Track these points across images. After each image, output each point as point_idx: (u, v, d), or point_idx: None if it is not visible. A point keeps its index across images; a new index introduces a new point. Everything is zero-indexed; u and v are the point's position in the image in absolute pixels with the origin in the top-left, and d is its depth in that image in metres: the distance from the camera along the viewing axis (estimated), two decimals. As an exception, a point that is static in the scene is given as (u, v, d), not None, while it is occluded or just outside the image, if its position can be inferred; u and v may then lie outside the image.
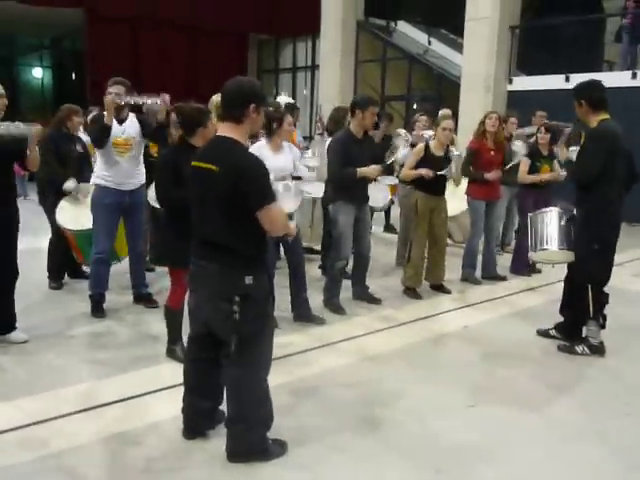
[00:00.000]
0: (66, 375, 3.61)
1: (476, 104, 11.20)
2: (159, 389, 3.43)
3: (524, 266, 6.07)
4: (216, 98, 4.90)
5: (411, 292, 5.38)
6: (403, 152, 5.61)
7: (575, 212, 3.96)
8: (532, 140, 6.11)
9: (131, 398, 3.32)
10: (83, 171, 5.33)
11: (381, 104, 14.10)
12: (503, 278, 5.95)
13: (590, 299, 4.01)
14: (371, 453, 2.87)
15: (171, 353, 3.86)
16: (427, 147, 5.24)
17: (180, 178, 3.51)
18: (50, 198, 5.24)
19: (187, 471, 2.67)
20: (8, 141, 3.74)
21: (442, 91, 13.21)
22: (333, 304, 4.88)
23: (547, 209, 4.08)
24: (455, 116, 9.66)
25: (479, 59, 11.42)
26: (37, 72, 19.06)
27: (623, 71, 10.48)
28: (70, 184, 5.14)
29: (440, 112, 6.92)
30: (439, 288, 5.55)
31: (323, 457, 2.81)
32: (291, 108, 5.52)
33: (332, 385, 3.54)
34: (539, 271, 6.13)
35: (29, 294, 4.82)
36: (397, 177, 6.01)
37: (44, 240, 5.50)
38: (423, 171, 5.08)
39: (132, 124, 4.58)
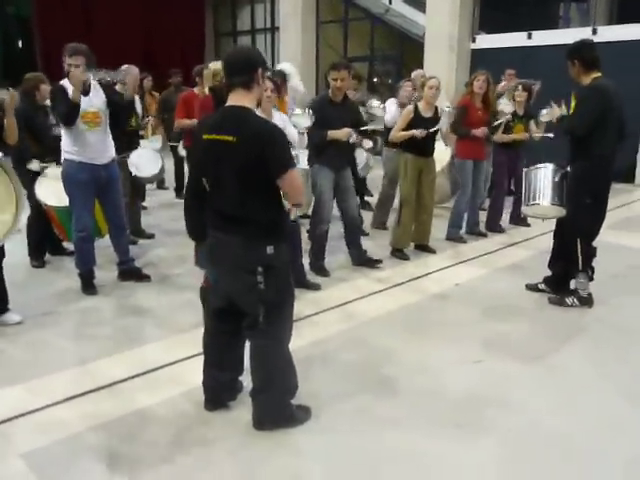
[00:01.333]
0: (69, 354, 3.55)
1: (440, 63, 11.23)
2: (167, 364, 3.41)
3: (497, 223, 6.25)
4: (212, 66, 4.77)
5: (399, 253, 5.45)
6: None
7: (569, 168, 4.05)
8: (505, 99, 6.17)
9: (142, 374, 3.30)
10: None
11: (344, 66, 14.00)
12: (484, 235, 6.09)
13: (580, 252, 4.16)
14: (391, 413, 2.94)
15: None
16: (416, 108, 5.24)
17: None
18: (27, 172, 5.03)
19: (218, 441, 2.68)
20: None
21: (404, 51, 13.18)
22: (317, 267, 4.91)
23: (542, 165, 4.16)
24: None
25: (442, 18, 11.38)
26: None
27: (584, 27, 10.63)
28: (34, 165, 4.94)
29: (415, 73, 6.91)
30: (424, 248, 5.64)
31: (346, 421, 2.87)
32: (281, 75, 5.39)
33: (340, 349, 3.59)
34: (528, 225, 6.33)
35: (11, 274, 4.63)
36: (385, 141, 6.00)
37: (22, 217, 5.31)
38: (416, 131, 5.09)
39: (97, 94, 4.32)
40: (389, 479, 2.46)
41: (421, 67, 11.49)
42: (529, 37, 10.85)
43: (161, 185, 8.61)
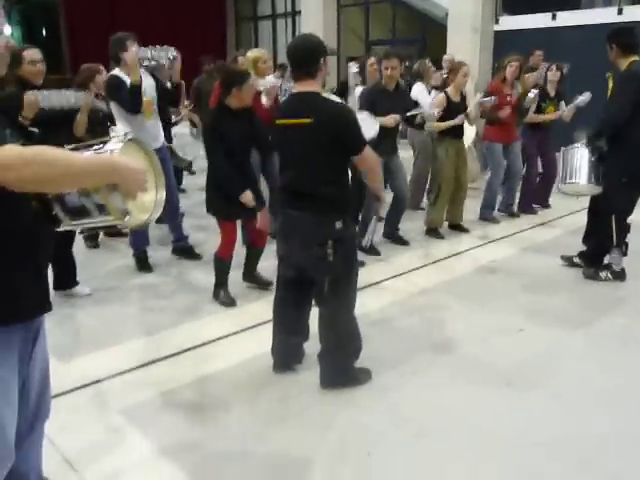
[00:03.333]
0: (138, 323, 3.84)
1: (464, 45, 11.30)
2: (229, 334, 3.68)
3: (530, 204, 6.43)
4: (251, 55, 4.98)
5: (434, 232, 5.67)
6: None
7: (605, 149, 4.24)
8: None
9: (208, 343, 3.57)
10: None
11: (365, 49, 14.11)
12: (517, 215, 6.29)
13: (614, 228, 4.36)
14: (444, 374, 3.19)
15: (216, 295, 4.16)
16: (447, 95, 5.44)
17: (222, 139, 3.78)
18: None
19: (290, 399, 2.96)
20: (60, 112, 3.70)
21: (427, 33, 13.25)
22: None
23: (578, 144, 4.35)
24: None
25: (465, 0, 11.46)
26: (6, 29, 18.31)
27: (608, 7, 10.67)
28: None
29: (447, 57, 7.08)
30: (457, 227, 5.86)
31: (403, 381, 3.13)
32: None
33: (394, 318, 3.85)
34: (549, 206, 6.54)
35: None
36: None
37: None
38: (457, 120, 5.30)
39: (149, 83, 4.54)
40: (450, 431, 2.71)
41: (444, 50, 11.64)
42: (553, 18, 10.89)
43: (189, 170, 8.82)
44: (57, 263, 4.21)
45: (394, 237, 5.45)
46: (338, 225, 2.82)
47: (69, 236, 4.15)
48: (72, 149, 1.70)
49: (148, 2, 14.87)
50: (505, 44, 11.08)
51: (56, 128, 3.92)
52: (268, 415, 2.85)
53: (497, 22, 11.71)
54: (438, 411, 2.85)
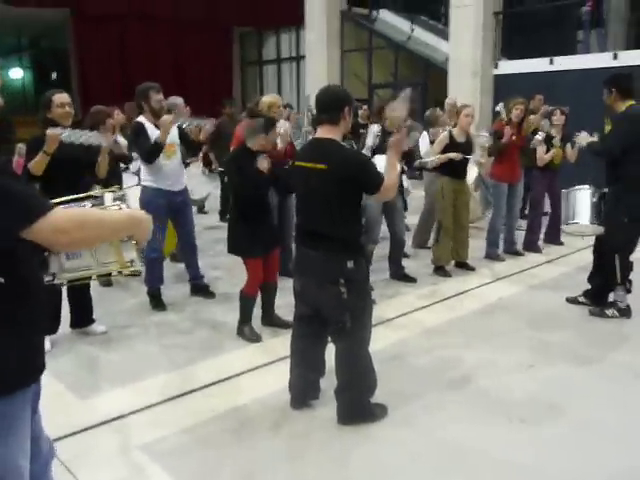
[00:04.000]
0: (158, 360, 3.92)
1: (465, 89, 11.63)
2: (248, 370, 3.77)
3: (535, 243, 6.59)
4: (266, 100, 5.20)
5: (441, 271, 5.79)
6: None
7: (606, 190, 4.40)
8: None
9: (228, 379, 3.65)
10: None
11: (368, 92, 14.51)
12: (522, 254, 6.42)
13: (618, 266, 4.48)
14: (458, 410, 3.27)
15: (240, 332, 4.26)
16: (450, 134, 5.64)
17: (244, 179, 3.97)
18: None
19: (311, 434, 3.03)
20: (81, 150, 3.88)
21: (428, 77, 13.64)
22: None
23: (580, 186, 4.52)
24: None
25: (466, 45, 11.84)
26: (17, 73, 18.87)
27: (604, 52, 11.03)
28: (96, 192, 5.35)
29: (449, 101, 7.34)
30: (463, 266, 5.98)
31: (417, 416, 3.20)
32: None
33: (406, 355, 3.94)
34: (562, 243, 6.74)
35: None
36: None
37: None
38: (452, 155, 5.48)
39: (172, 130, 4.72)
40: (466, 465, 2.77)
41: (445, 92, 11.98)
42: (551, 62, 11.25)
43: (201, 209, 9.02)
44: (74, 301, 4.35)
45: (400, 275, 5.57)
46: (350, 265, 2.94)
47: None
48: (58, 203, 1.74)
49: (157, 48, 15.34)
50: (505, 87, 11.41)
51: (77, 170, 4.12)
52: (288, 450, 2.92)
53: (496, 66, 12.08)
54: (454, 446, 2.92)
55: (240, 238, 4.18)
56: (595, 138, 4.49)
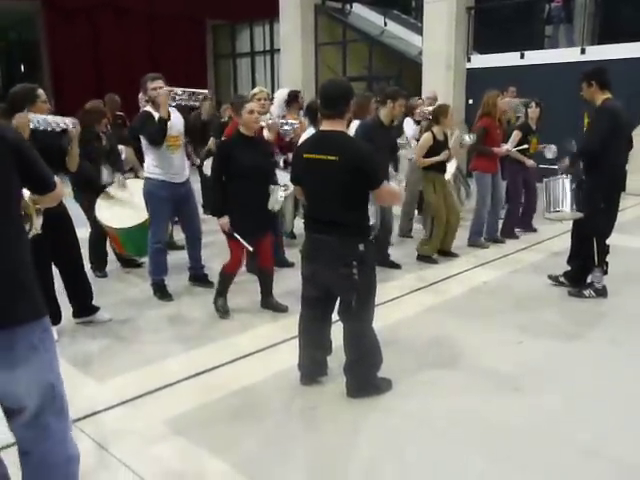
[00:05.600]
0: (169, 345, 4.06)
1: (438, 82, 11.91)
2: (256, 350, 3.96)
3: (513, 230, 6.92)
4: (255, 91, 5.43)
5: (427, 258, 6.04)
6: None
7: (584, 178, 4.70)
8: (520, 115, 6.84)
9: (237, 359, 3.83)
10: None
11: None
12: (502, 241, 6.74)
13: (596, 249, 4.79)
14: (455, 383, 3.52)
15: (215, 303, 4.58)
16: (433, 134, 5.88)
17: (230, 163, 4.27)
18: (85, 195, 5.37)
19: (322, 407, 3.24)
20: (46, 137, 3.67)
21: (402, 70, 13.90)
22: None
23: (560, 176, 4.81)
24: (419, 94, 10.37)
25: (440, 39, 12.12)
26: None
27: (572, 47, 11.45)
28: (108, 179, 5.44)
29: (429, 94, 7.61)
30: (447, 254, 6.24)
31: (418, 389, 3.44)
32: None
33: (400, 335, 4.16)
34: (535, 230, 7.10)
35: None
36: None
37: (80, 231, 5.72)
38: (443, 156, 5.74)
39: (177, 120, 4.84)
40: (471, 428, 3.02)
41: (419, 85, 12.27)
42: (522, 57, 11.64)
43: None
44: (71, 288, 4.34)
45: (386, 262, 5.79)
46: (361, 247, 3.14)
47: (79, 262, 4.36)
48: None
49: (130, 40, 15.25)
50: (477, 80, 11.78)
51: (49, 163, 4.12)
52: (302, 422, 3.13)
53: (469, 60, 12.40)
54: (453, 413, 3.16)
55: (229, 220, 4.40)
56: (573, 147, 4.77)
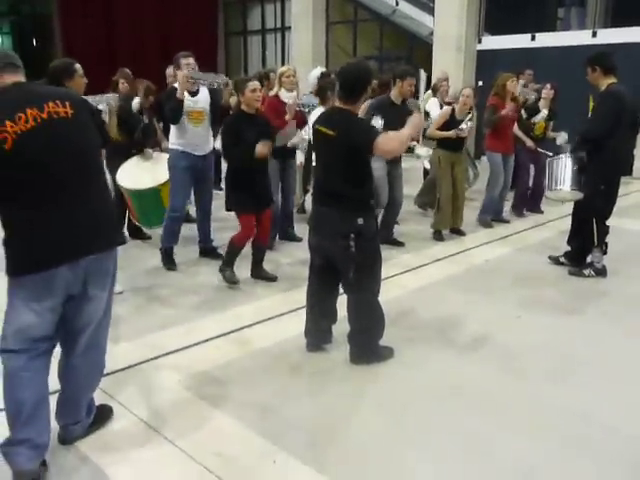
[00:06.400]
0: (182, 313, 4.24)
1: (449, 63, 11.89)
2: (266, 319, 4.14)
3: (521, 210, 7.04)
4: (279, 70, 5.53)
5: (438, 234, 6.18)
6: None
7: (585, 159, 4.79)
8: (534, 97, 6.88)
9: (242, 328, 4.00)
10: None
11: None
12: (507, 221, 6.88)
13: (595, 230, 4.91)
14: (455, 353, 3.68)
15: (222, 272, 4.72)
16: (452, 111, 5.99)
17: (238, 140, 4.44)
18: (115, 160, 5.45)
19: (327, 373, 3.41)
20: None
21: (412, 50, 13.89)
22: None
23: (562, 155, 4.91)
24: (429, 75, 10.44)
25: (451, 20, 12.07)
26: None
27: (583, 30, 11.41)
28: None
29: (441, 75, 7.69)
30: (456, 231, 6.37)
31: (422, 359, 3.59)
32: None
33: (404, 308, 4.32)
34: (542, 212, 7.22)
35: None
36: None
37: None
38: (452, 132, 5.84)
39: (204, 97, 5.01)
40: (462, 398, 3.18)
41: (429, 65, 12.28)
42: (533, 39, 11.60)
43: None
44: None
45: (389, 240, 5.92)
46: (360, 221, 3.27)
47: None
48: None
49: (143, 15, 15.25)
50: (487, 62, 11.77)
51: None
52: (309, 385, 3.30)
53: (480, 42, 12.37)
54: (452, 381, 3.33)
55: (233, 196, 4.62)
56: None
